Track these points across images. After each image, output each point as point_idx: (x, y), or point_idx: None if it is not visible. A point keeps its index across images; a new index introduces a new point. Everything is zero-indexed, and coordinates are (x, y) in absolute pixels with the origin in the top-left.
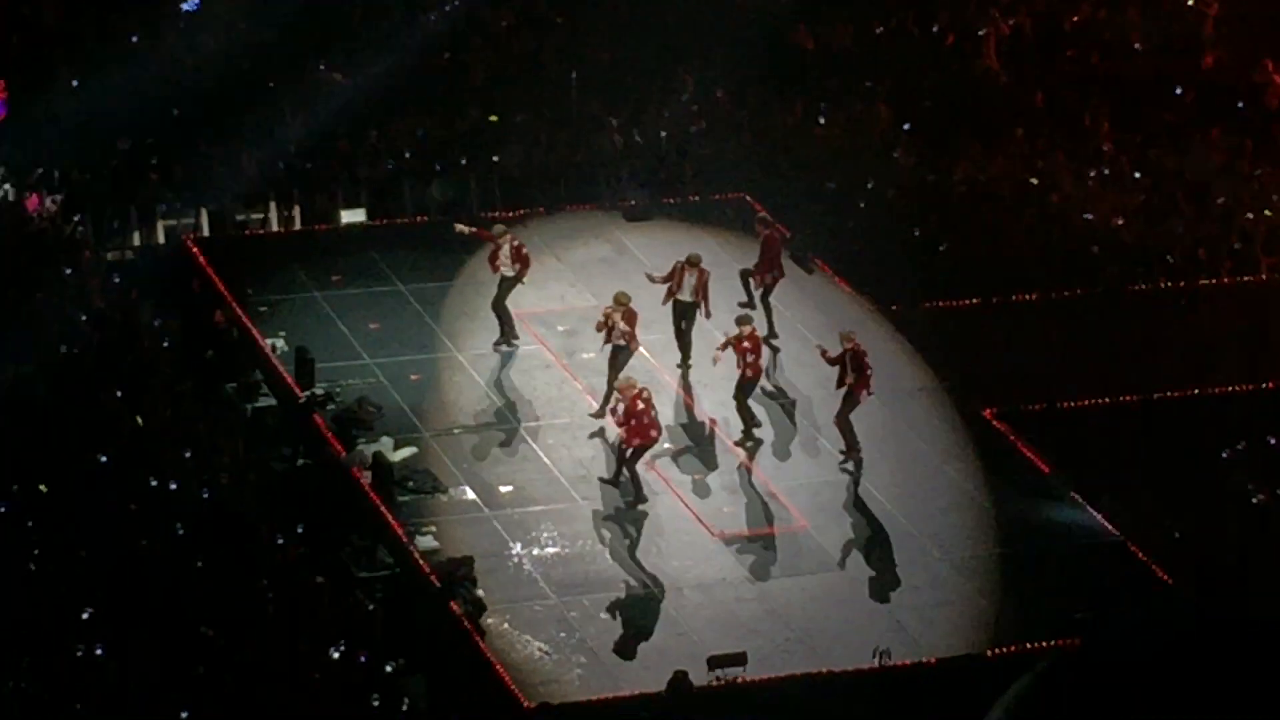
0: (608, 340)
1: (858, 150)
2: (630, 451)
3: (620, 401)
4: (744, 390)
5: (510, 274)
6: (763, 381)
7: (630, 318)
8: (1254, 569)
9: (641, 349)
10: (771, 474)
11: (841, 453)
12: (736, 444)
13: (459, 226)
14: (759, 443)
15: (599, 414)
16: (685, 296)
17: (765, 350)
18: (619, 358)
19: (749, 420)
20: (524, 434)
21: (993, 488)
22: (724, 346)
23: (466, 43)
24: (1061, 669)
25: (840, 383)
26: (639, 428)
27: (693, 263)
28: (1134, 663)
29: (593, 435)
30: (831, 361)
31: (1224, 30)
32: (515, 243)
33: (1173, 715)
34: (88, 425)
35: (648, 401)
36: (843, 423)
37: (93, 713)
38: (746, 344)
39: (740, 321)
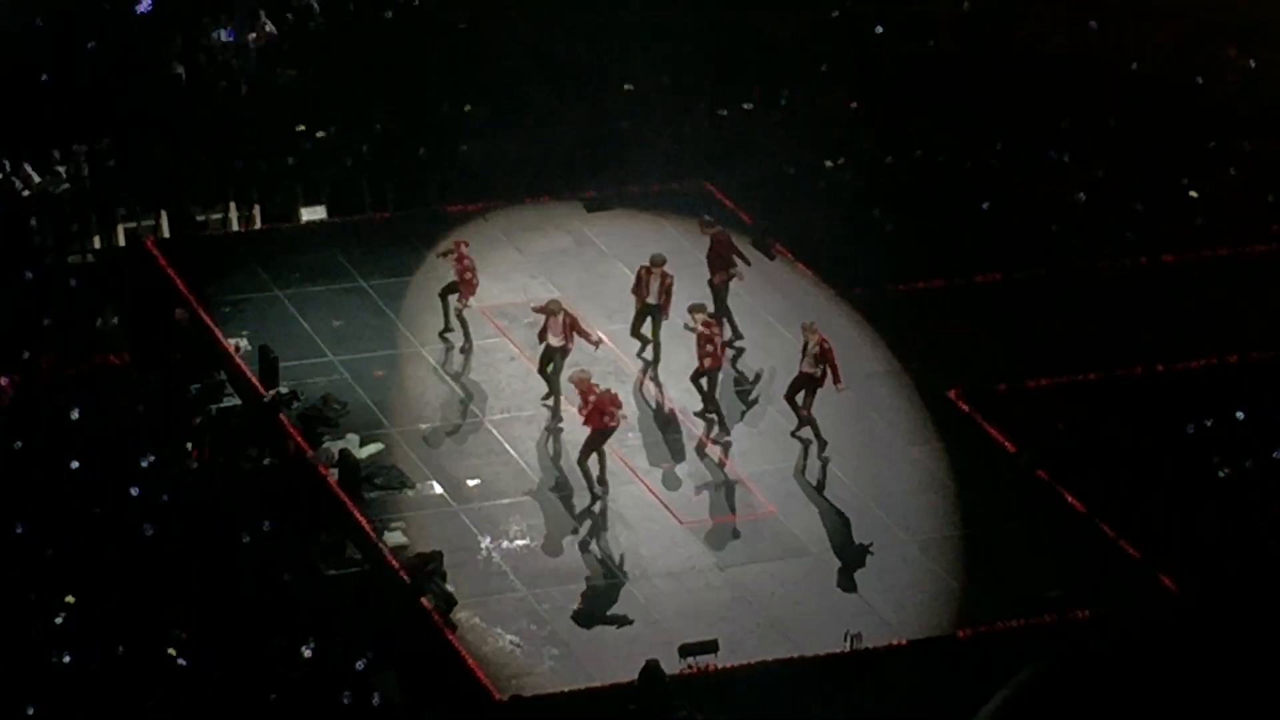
0: (540, 339)
1: (817, 135)
2: (590, 442)
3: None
4: (705, 378)
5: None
6: (727, 369)
7: (569, 321)
8: (1223, 543)
9: (605, 339)
10: (738, 461)
11: (803, 438)
12: (702, 433)
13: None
14: (725, 430)
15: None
16: (651, 299)
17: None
18: (554, 357)
19: (714, 409)
20: (490, 427)
21: (959, 468)
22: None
23: (422, 36)
24: (1046, 674)
25: (807, 372)
26: (594, 419)
27: (656, 264)
28: (1118, 658)
29: (558, 427)
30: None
31: (1177, 5)
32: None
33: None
34: (52, 430)
35: (601, 396)
36: (807, 415)
37: (66, 716)
38: (704, 331)
39: (693, 310)
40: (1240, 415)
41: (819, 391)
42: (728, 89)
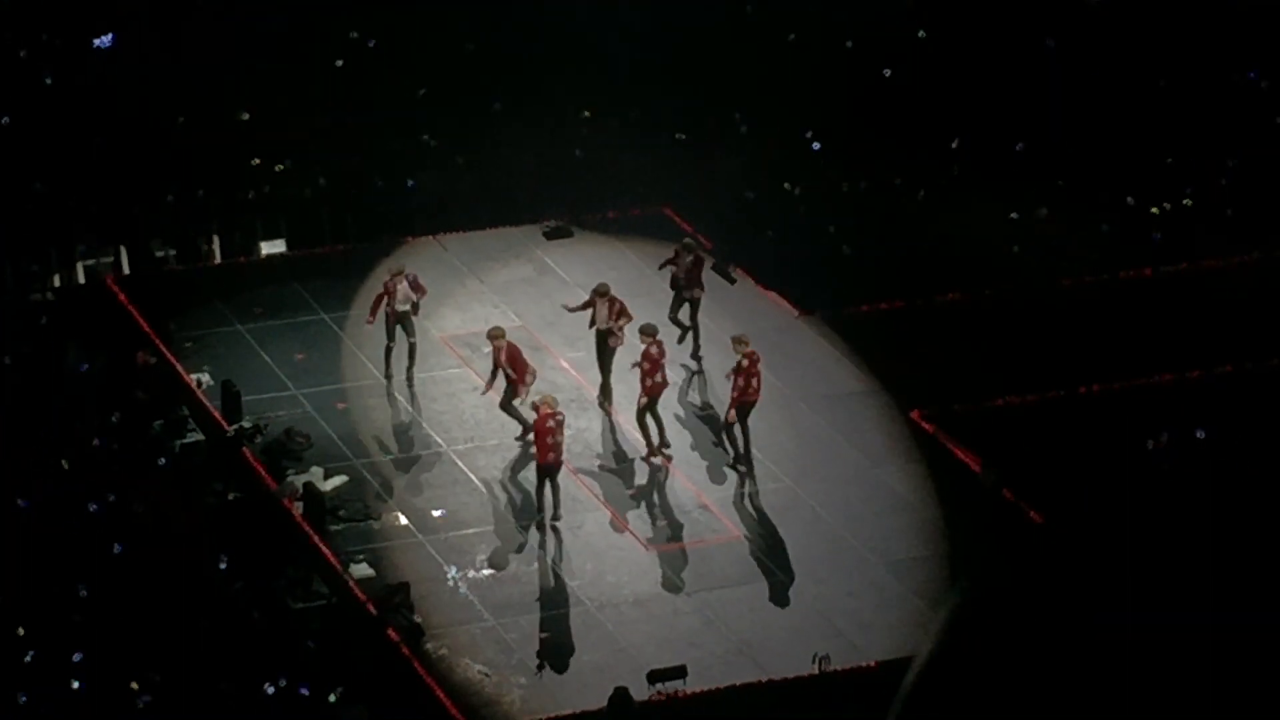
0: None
1: (776, 160)
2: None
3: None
4: (651, 401)
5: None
6: (691, 395)
7: (512, 351)
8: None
9: (566, 364)
10: (703, 485)
11: (733, 465)
12: (665, 457)
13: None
14: (689, 455)
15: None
16: (602, 326)
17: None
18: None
19: (658, 430)
20: (454, 457)
21: (924, 489)
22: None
23: (378, 68)
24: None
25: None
26: (541, 448)
27: (601, 293)
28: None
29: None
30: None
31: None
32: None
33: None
34: (15, 469)
35: (559, 424)
36: (728, 430)
37: None
38: (654, 352)
39: (644, 332)
40: (1200, 434)
41: (779, 412)
42: (687, 115)
